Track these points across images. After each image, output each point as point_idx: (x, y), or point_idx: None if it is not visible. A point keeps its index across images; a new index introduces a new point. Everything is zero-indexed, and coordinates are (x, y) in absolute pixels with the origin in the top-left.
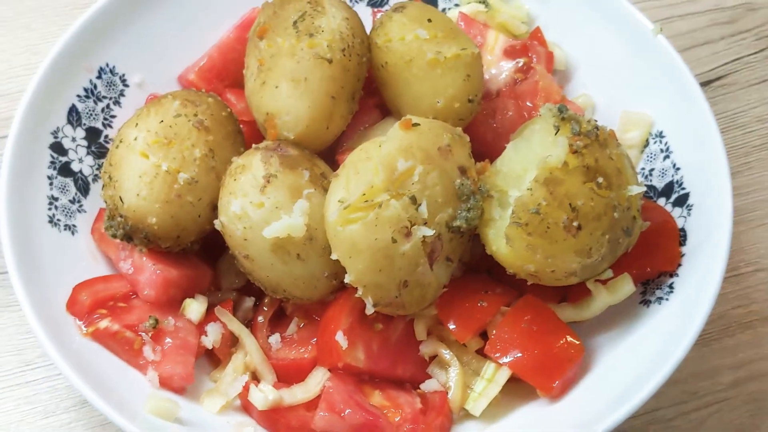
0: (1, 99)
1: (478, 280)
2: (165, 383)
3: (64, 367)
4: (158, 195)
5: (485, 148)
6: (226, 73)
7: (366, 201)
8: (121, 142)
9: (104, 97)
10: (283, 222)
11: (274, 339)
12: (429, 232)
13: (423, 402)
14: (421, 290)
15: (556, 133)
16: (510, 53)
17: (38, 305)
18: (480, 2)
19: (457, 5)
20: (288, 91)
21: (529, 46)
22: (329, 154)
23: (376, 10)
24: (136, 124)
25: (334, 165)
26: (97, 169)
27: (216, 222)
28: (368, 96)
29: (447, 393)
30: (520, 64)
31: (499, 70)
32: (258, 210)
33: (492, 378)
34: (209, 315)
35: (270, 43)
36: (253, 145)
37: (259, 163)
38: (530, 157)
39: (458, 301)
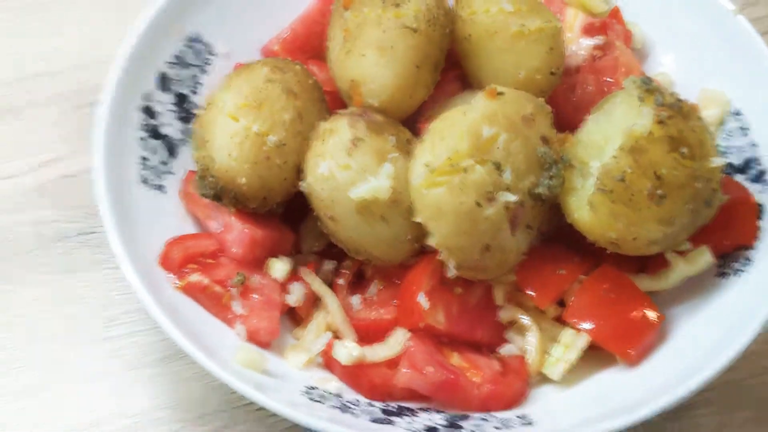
0: (89, 68)
1: (556, 248)
2: (252, 337)
3: (160, 316)
4: (248, 156)
5: (565, 121)
6: (308, 45)
7: (451, 165)
8: (211, 105)
9: (192, 65)
10: (369, 184)
11: (355, 300)
12: (512, 197)
13: (501, 365)
14: (502, 255)
15: (640, 104)
16: (589, 31)
17: (134, 259)
18: None
19: None
20: (374, 59)
21: (608, 24)
22: (410, 123)
23: None
24: (227, 88)
25: (416, 134)
26: (184, 133)
27: (302, 184)
28: (450, 68)
29: (525, 357)
30: (600, 42)
31: (579, 46)
32: (345, 172)
33: (571, 343)
34: (292, 275)
35: (356, 14)
36: (339, 111)
37: (347, 127)
38: (612, 129)
39: (537, 269)
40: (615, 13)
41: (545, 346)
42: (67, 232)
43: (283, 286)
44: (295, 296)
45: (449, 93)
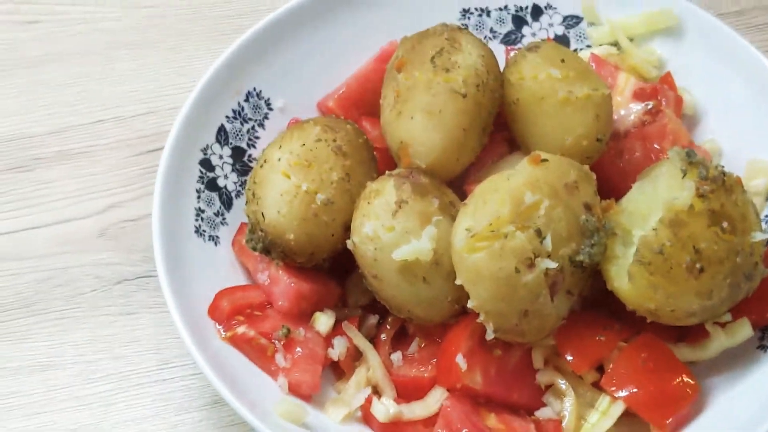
0: (152, 115)
1: (597, 314)
2: (293, 390)
3: (204, 366)
4: (297, 213)
5: (611, 187)
6: (362, 102)
7: (492, 231)
8: (265, 162)
9: (250, 119)
10: (412, 246)
11: (396, 356)
12: (552, 264)
13: (537, 428)
14: (540, 320)
15: (683, 177)
16: (639, 95)
17: (183, 308)
18: (612, 45)
19: (588, 46)
20: (422, 122)
21: (659, 90)
22: (458, 184)
23: (509, 47)
24: (280, 146)
25: (462, 195)
26: (240, 185)
27: (348, 242)
28: (498, 130)
29: (561, 422)
30: (649, 107)
31: (628, 111)
32: (389, 233)
33: (606, 411)
34: (336, 329)
35: (407, 76)
36: (387, 172)
37: (392, 189)
38: (656, 199)
39: (577, 334)
40: (666, 79)
41: (582, 411)
42: (126, 275)
43: (327, 340)
44: (338, 350)
45: (497, 155)
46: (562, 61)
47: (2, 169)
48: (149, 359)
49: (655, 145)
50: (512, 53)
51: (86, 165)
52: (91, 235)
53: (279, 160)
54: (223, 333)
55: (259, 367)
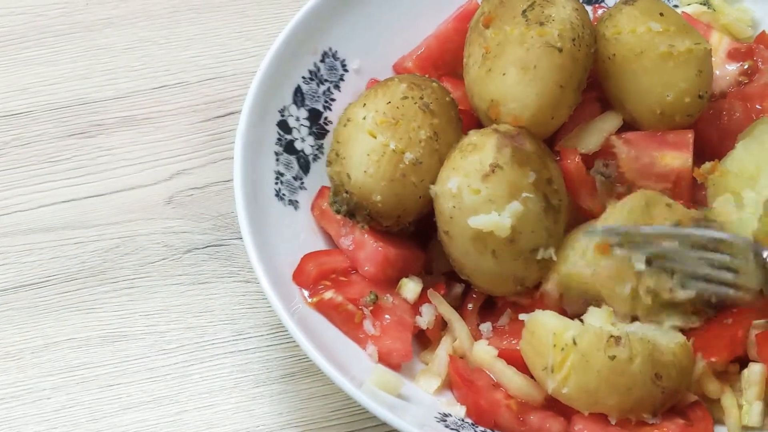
0: (218, 81)
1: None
2: (383, 358)
3: (297, 333)
4: (384, 173)
5: (711, 148)
6: (442, 62)
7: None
8: (349, 120)
9: (326, 80)
10: (491, 217)
11: (486, 327)
12: None
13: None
14: None
15: None
16: (734, 56)
17: (269, 272)
18: (702, 3)
19: (676, 6)
20: (516, 78)
21: (755, 50)
22: (548, 144)
23: (596, 5)
24: (364, 104)
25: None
26: (316, 149)
27: (431, 187)
28: (589, 89)
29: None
30: (745, 67)
31: (723, 72)
32: (472, 196)
33: (752, 380)
34: (421, 297)
35: (497, 32)
36: (494, 126)
37: (492, 148)
38: (764, 156)
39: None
40: (762, 38)
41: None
42: (196, 243)
43: (414, 307)
44: (426, 318)
45: (589, 115)
46: (661, 14)
47: (63, 135)
48: (223, 330)
49: (757, 106)
50: (600, 11)
51: (150, 131)
52: (158, 203)
53: (364, 118)
54: (309, 298)
55: (346, 334)
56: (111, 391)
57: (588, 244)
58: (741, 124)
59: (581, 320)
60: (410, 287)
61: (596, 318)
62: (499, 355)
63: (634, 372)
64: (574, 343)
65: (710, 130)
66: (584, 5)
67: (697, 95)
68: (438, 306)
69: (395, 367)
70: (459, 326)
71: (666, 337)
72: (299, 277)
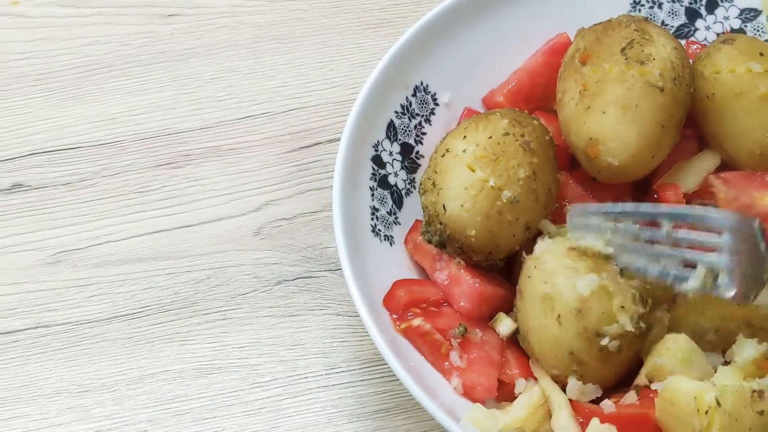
0: (302, 111)
1: None
2: (468, 392)
3: (391, 359)
4: (481, 209)
5: None
6: (532, 97)
7: None
8: (448, 151)
9: (417, 114)
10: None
11: (607, 405)
12: None
13: None
14: None
15: None
16: None
17: (366, 299)
18: None
19: (767, 41)
20: (616, 117)
21: None
22: (644, 182)
23: (689, 41)
24: (464, 136)
25: (648, 195)
26: (408, 183)
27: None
28: (686, 126)
29: None
30: None
31: None
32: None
33: None
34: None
35: (595, 69)
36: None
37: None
38: None
39: None
40: None
41: None
42: (286, 275)
43: (503, 347)
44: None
45: (686, 153)
46: (761, 54)
47: (151, 165)
48: (316, 363)
49: None
50: (693, 47)
51: (237, 161)
52: (246, 234)
53: (464, 151)
54: (398, 324)
55: (431, 364)
56: (206, 424)
57: None
58: None
59: (712, 382)
60: (507, 323)
61: (728, 376)
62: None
63: None
64: (718, 404)
65: None
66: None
67: None
68: (540, 378)
69: (479, 402)
70: (563, 407)
71: None
72: (389, 302)
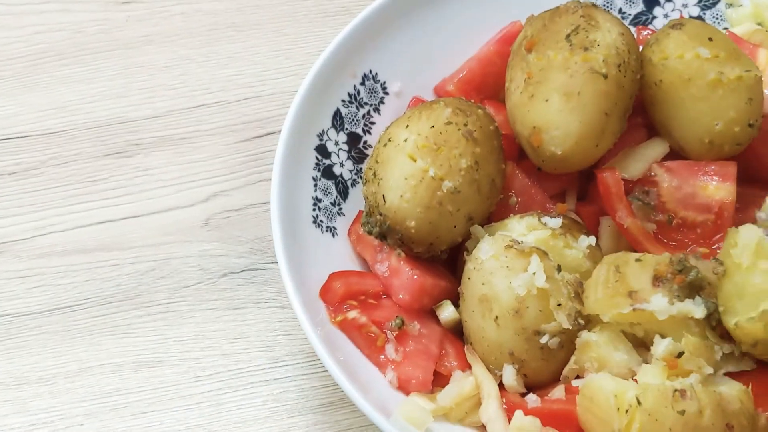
0: (256, 100)
1: None
2: (402, 385)
3: (323, 353)
4: (421, 200)
5: (761, 175)
6: (484, 86)
7: None
8: (389, 140)
9: (365, 104)
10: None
11: (532, 399)
12: None
13: None
14: None
15: None
16: None
17: (301, 292)
18: (758, 24)
19: (726, 28)
20: (559, 105)
21: None
22: (591, 172)
23: (640, 27)
24: (407, 125)
25: (593, 183)
26: (355, 173)
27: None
28: (635, 114)
29: None
30: None
31: None
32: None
33: None
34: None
35: (539, 56)
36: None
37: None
38: None
39: None
40: None
41: None
42: (233, 267)
43: (441, 339)
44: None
45: (634, 141)
46: (710, 39)
47: (101, 155)
48: (259, 357)
49: None
50: (644, 33)
51: (188, 151)
52: (194, 225)
53: (405, 140)
54: (334, 316)
55: (367, 357)
56: (144, 418)
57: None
58: None
59: (635, 380)
60: (449, 310)
61: (650, 374)
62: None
63: (706, 425)
64: (639, 402)
65: (762, 154)
66: (629, 26)
67: (747, 124)
68: (474, 366)
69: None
70: (490, 388)
71: (726, 385)
72: (326, 294)
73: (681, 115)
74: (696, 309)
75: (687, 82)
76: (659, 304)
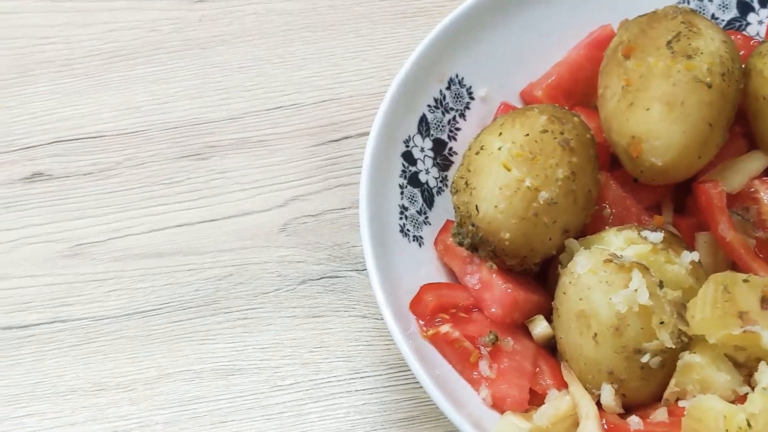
0: (333, 103)
1: None
2: (497, 403)
3: (416, 367)
4: (516, 210)
5: None
6: (573, 92)
7: None
8: (482, 149)
9: (451, 109)
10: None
11: (635, 421)
12: None
13: None
14: None
15: None
16: None
17: (391, 302)
18: None
19: None
20: (661, 114)
21: None
22: (687, 184)
23: (733, 31)
24: (500, 133)
25: (690, 196)
26: (440, 181)
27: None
28: (735, 123)
29: None
30: None
31: None
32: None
33: None
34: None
35: (639, 63)
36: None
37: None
38: None
39: None
40: None
41: None
42: (311, 274)
43: (536, 356)
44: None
45: (733, 151)
46: None
47: (175, 157)
48: (339, 367)
49: None
50: (750, 41)
51: (264, 154)
52: (272, 230)
53: (499, 149)
54: (425, 330)
55: (459, 372)
56: (224, 427)
57: None
58: None
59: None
60: (543, 325)
61: (758, 400)
62: None
63: None
64: (749, 425)
65: None
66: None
67: None
68: (571, 385)
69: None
70: (591, 418)
71: None
72: (417, 306)
73: None
74: None
75: None
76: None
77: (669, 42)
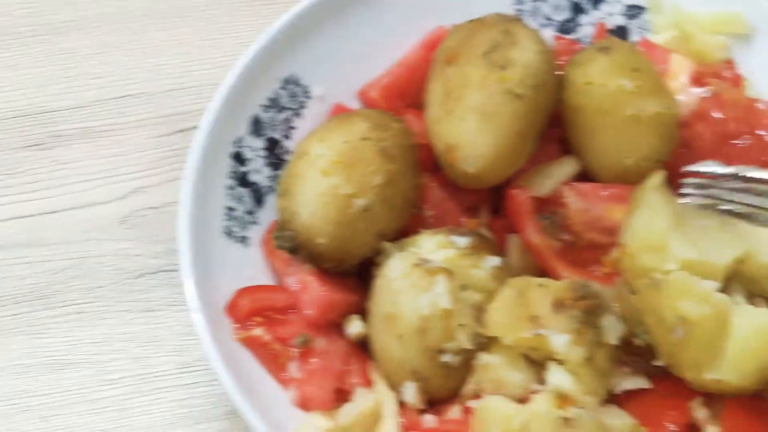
0: (183, 92)
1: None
2: (303, 404)
3: (220, 368)
4: (332, 217)
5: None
6: (407, 92)
7: None
8: (304, 154)
9: (286, 108)
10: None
11: (430, 419)
12: None
13: None
14: None
15: None
16: (697, 80)
17: (204, 306)
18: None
19: (646, 30)
20: (474, 125)
21: (717, 70)
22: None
23: (558, 36)
24: (322, 140)
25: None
26: (273, 180)
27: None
28: (549, 128)
29: None
30: (708, 91)
31: (687, 96)
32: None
33: None
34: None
35: (458, 72)
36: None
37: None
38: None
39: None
40: (728, 63)
41: None
42: (148, 268)
43: (347, 355)
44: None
45: (548, 156)
46: (635, 70)
47: (18, 147)
48: (169, 361)
49: (714, 114)
50: (575, 49)
51: (109, 144)
52: (111, 223)
53: (319, 155)
54: (238, 333)
55: (271, 374)
56: (52, 421)
57: None
58: (711, 147)
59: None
60: (356, 324)
61: (541, 403)
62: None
63: None
64: (525, 429)
65: (680, 161)
66: (556, 33)
67: (656, 160)
68: (377, 384)
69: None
70: (390, 417)
71: (615, 418)
72: (232, 310)
73: (595, 144)
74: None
75: (605, 114)
76: (558, 329)
77: (487, 52)
